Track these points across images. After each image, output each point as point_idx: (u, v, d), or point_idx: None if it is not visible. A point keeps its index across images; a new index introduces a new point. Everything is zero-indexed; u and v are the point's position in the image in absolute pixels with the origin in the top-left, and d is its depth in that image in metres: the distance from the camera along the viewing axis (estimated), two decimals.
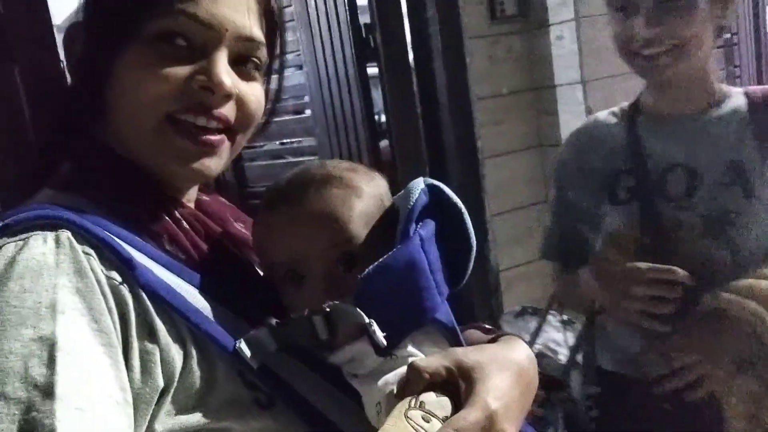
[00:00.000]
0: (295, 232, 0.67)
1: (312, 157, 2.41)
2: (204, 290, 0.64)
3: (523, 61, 2.08)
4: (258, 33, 0.69)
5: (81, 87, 0.69)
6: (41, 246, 0.56)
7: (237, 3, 0.66)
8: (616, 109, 1.33)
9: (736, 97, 1.22)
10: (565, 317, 1.43)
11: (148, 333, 0.58)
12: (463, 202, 0.70)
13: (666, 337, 1.15)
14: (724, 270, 1.13)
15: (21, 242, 0.56)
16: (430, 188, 0.69)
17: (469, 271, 0.71)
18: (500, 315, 2.22)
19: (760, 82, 2.81)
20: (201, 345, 0.60)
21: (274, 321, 0.61)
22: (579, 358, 1.37)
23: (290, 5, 2.29)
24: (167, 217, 0.66)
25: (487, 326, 0.73)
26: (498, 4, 2.01)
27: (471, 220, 0.70)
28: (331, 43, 2.27)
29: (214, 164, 0.67)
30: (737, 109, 1.19)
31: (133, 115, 0.64)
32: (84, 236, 0.58)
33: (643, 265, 1.11)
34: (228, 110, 0.66)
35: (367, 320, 0.59)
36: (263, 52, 0.70)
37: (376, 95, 2.32)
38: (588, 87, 1.96)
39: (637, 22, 1.12)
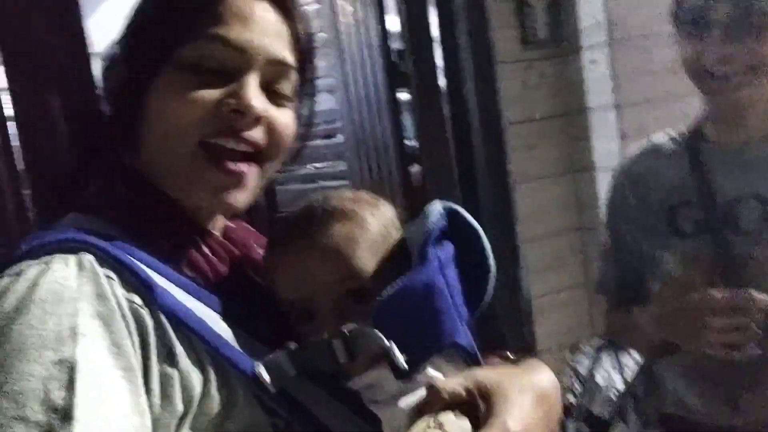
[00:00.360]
0: (301, 271, 0.67)
1: (343, 182, 2.41)
2: (223, 314, 0.64)
3: (555, 86, 2.06)
4: (289, 57, 0.69)
5: (117, 115, 0.70)
6: (63, 269, 0.57)
7: (268, 27, 0.67)
8: (673, 133, 1.25)
9: None
10: (617, 354, 1.39)
11: (168, 357, 0.58)
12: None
13: (731, 384, 1.10)
14: None
15: (44, 265, 0.57)
16: (447, 212, 0.69)
17: (488, 295, 0.70)
18: (533, 342, 2.18)
19: None
20: (220, 369, 0.60)
21: (292, 345, 0.61)
22: (634, 396, 1.31)
23: (321, 31, 2.31)
24: (190, 244, 0.67)
25: (510, 355, 0.71)
26: (530, 29, 2.00)
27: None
28: (363, 67, 2.28)
29: (243, 197, 0.67)
30: None
31: (166, 141, 0.65)
32: (106, 260, 0.59)
33: (716, 292, 1.03)
34: (258, 134, 0.66)
35: (387, 343, 0.58)
36: (294, 77, 0.71)
37: (406, 121, 2.32)
38: (622, 112, 1.93)
39: (712, 39, 1.06)
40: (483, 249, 0.69)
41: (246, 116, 0.64)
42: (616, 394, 1.37)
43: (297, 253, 0.68)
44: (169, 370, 0.57)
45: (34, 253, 0.59)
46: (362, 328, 0.59)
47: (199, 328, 0.60)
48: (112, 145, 0.70)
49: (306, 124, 0.76)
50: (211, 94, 0.64)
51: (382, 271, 0.67)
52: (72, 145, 1.36)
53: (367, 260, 0.67)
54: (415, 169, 2.34)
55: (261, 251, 0.76)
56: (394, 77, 2.19)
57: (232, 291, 0.67)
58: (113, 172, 0.69)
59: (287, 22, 0.70)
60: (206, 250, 0.68)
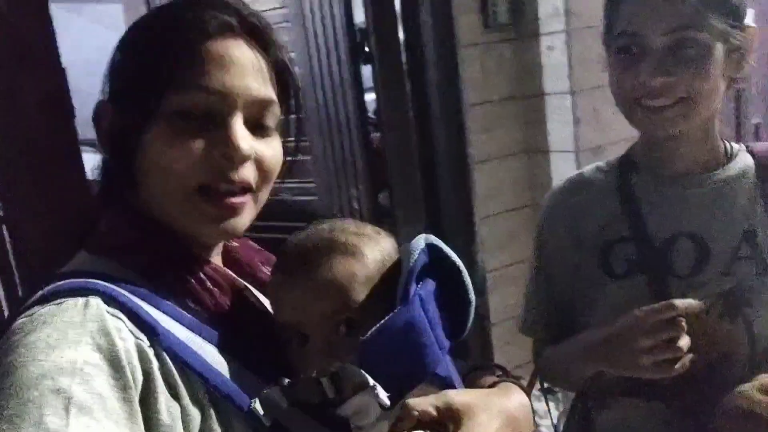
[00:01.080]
0: (299, 298, 0.71)
1: (305, 158, 2.44)
2: (223, 347, 0.69)
3: (513, 70, 2.13)
4: (269, 93, 0.71)
5: (112, 159, 0.74)
6: (71, 309, 0.61)
7: (245, 68, 0.69)
8: (602, 164, 1.17)
9: (742, 156, 1.07)
10: (545, 385, 1.27)
11: (172, 393, 0.62)
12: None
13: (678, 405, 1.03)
14: (743, 360, 1.00)
15: (55, 306, 0.62)
16: (430, 247, 0.73)
17: (469, 323, 0.75)
18: (487, 314, 2.29)
19: (737, 89, 2.89)
20: (218, 405, 0.65)
21: (285, 381, 0.65)
22: None
23: (285, 6, 2.32)
24: (192, 278, 0.71)
25: (497, 366, 0.77)
26: (491, 13, 2.05)
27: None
28: (326, 44, 2.30)
29: (239, 224, 0.71)
30: (745, 170, 1.06)
31: (163, 186, 0.69)
32: (113, 303, 0.63)
33: (638, 312, 0.96)
34: (248, 172, 0.69)
35: (371, 383, 0.62)
36: (276, 109, 0.73)
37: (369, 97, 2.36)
38: (576, 97, 2.02)
39: (643, 69, 0.97)
40: (463, 282, 0.73)
41: (235, 159, 0.67)
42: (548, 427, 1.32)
43: (296, 282, 0.71)
44: (173, 403, 0.62)
45: (50, 298, 0.63)
46: (348, 368, 0.63)
47: (198, 367, 0.64)
48: (115, 186, 0.74)
49: (295, 148, 0.80)
50: (199, 142, 0.67)
51: (375, 303, 0.70)
52: None
53: (362, 294, 0.70)
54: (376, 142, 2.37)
55: (266, 269, 0.80)
56: (357, 55, 2.22)
57: (233, 323, 0.71)
58: (116, 213, 0.73)
59: (263, 56, 0.72)
60: (209, 284, 0.71)
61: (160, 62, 0.68)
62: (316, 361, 0.68)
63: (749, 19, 1.01)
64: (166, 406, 0.61)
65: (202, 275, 0.71)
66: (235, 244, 0.82)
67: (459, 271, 0.73)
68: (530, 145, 2.17)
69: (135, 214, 0.72)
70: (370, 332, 0.65)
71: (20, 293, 1.55)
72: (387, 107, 2.13)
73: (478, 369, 0.78)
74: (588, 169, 1.19)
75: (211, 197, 0.68)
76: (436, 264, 0.73)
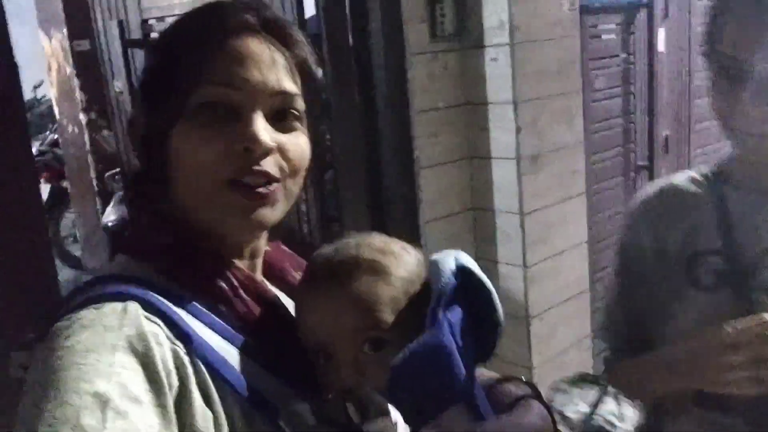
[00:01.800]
0: (323, 316, 0.71)
1: None
2: (253, 356, 0.70)
3: (459, 79, 2.20)
4: (290, 85, 0.73)
5: (147, 165, 0.76)
6: (110, 313, 0.63)
7: (265, 62, 0.71)
8: (695, 174, 1.16)
9: None
10: (618, 402, 1.30)
11: (205, 399, 0.65)
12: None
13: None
14: None
15: (94, 311, 0.64)
16: (460, 269, 0.72)
17: (497, 346, 0.75)
18: None
19: (651, 99, 3.09)
20: (247, 415, 0.67)
21: (314, 401, 0.67)
22: None
23: None
24: (224, 284, 0.72)
25: (523, 380, 0.76)
26: (438, 23, 2.12)
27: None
28: None
29: (270, 213, 0.72)
30: None
31: (192, 182, 0.71)
32: (151, 309, 0.65)
33: (727, 326, 0.95)
34: (269, 164, 0.71)
35: (393, 416, 0.65)
36: (299, 103, 0.74)
37: None
38: (519, 107, 2.11)
39: (744, 97, 0.96)
40: (493, 305, 0.73)
41: (256, 151, 0.69)
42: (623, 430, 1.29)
43: (321, 300, 0.72)
44: (207, 411, 0.64)
45: (90, 302, 0.65)
46: (375, 397, 0.65)
47: (229, 376, 0.66)
48: (149, 193, 0.76)
49: (323, 139, 0.83)
50: (222, 136, 0.69)
51: (402, 323, 0.71)
52: None
53: (388, 312, 0.70)
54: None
55: (297, 274, 0.82)
56: None
57: (263, 330, 0.73)
58: (151, 218, 0.75)
59: (285, 52, 0.74)
60: (240, 290, 0.73)
61: (184, 61, 0.71)
62: (342, 380, 0.69)
63: None
64: (200, 411, 0.63)
65: (234, 281, 0.73)
66: (267, 248, 0.83)
67: (489, 295, 0.73)
68: (473, 151, 2.25)
69: (167, 218, 0.74)
70: (399, 356, 0.65)
71: None
72: (337, 111, 2.16)
73: (503, 381, 0.77)
74: (679, 177, 1.18)
75: (240, 189, 0.70)
76: (465, 282, 0.72)
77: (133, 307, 0.64)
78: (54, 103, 4.35)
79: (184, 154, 0.71)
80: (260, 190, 0.70)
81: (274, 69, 0.72)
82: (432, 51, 2.15)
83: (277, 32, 0.74)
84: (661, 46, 3.12)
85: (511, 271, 2.26)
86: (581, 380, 1.40)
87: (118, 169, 3.60)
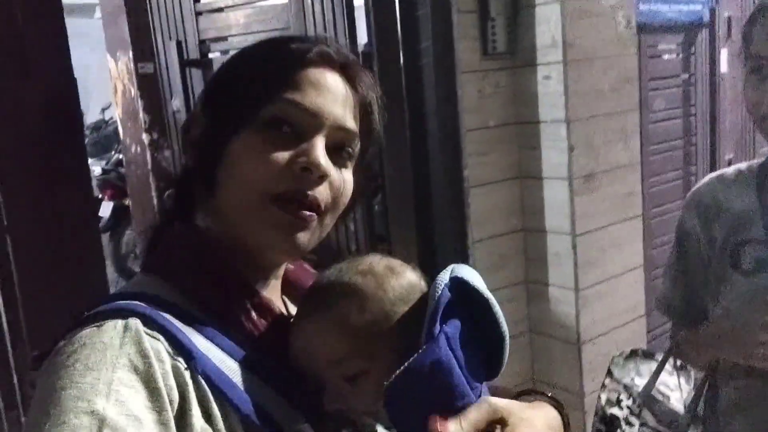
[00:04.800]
0: (305, 344, 0.70)
1: None
2: (263, 378, 0.70)
3: (510, 97, 2.18)
4: (352, 125, 0.76)
5: (198, 164, 0.77)
6: (111, 330, 0.64)
7: (336, 95, 0.74)
8: (743, 166, 1.27)
9: None
10: (678, 362, 1.38)
11: (206, 416, 0.64)
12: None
13: None
14: None
15: (95, 328, 0.64)
16: (454, 282, 0.69)
17: (505, 359, 0.71)
18: None
19: (713, 121, 2.99)
20: None
21: (317, 424, 0.66)
22: (699, 411, 1.30)
23: (290, 26, 2.35)
24: (238, 307, 0.73)
25: (547, 395, 0.76)
26: (490, 41, 2.10)
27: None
28: None
29: (306, 238, 0.73)
30: None
31: (241, 191, 0.72)
32: (153, 325, 0.65)
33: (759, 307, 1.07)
34: (322, 192, 0.73)
35: None
36: (356, 143, 0.77)
37: None
38: (571, 126, 2.07)
39: None
40: (494, 317, 0.69)
41: (313, 173, 0.71)
42: (676, 410, 1.35)
43: (303, 327, 0.71)
44: (207, 428, 0.63)
45: (92, 319, 0.66)
46: (369, 426, 0.64)
47: (232, 395, 0.65)
48: (189, 200, 0.77)
49: (366, 180, 0.83)
50: (284, 153, 0.71)
51: (387, 343, 0.68)
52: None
53: (364, 341, 0.68)
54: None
55: None
56: None
57: (277, 351, 0.72)
58: (177, 232, 0.76)
59: (354, 93, 0.76)
60: (253, 314, 0.73)
61: (262, 77, 0.73)
62: (328, 406, 0.68)
63: None
64: (200, 428, 0.63)
65: (248, 305, 0.73)
66: (290, 266, 0.84)
67: (488, 306, 0.69)
68: (524, 170, 2.22)
69: (196, 233, 0.75)
70: (394, 375, 0.62)
71: (20, 305, 1.55)
72: (386, 130, 2.16)
73: (523, 395, 0.77)
74: (730, 170, 1.29)
75: (285, 207, 0.71)
76: (463, 295, 0.68)
77: (134, 323, 0.64)
78: (119, 123, 4.50)
79: (242, 162, 0.72)
80: (305, 212, 0.72)
81: (344, 105, 0.75)
82: (483, 69, 2.13)
83: (352, 72, 0.77)
84: (723, 67, 3.03)
85: (562, 294, 2.20)
86: (635, 355, 1.49)
87: None
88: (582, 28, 2.06)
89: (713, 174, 1.33)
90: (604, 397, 1.39)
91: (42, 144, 1.55)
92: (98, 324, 0.65)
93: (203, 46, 2.49)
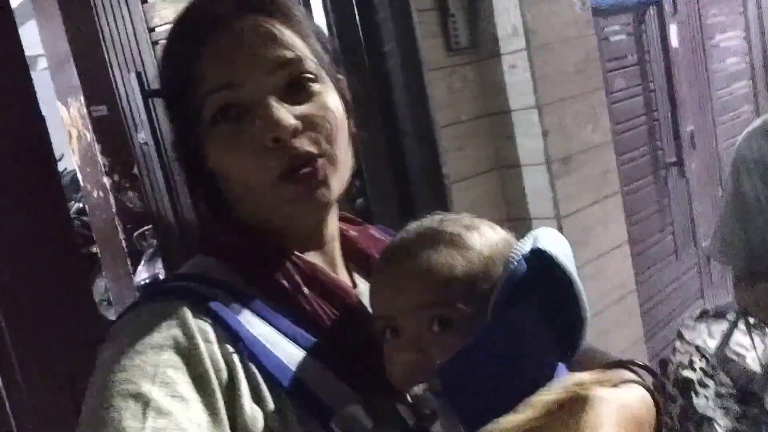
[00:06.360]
0: (392, 288, 0.67)
1: None
2: (317, 355, 0.67)
3: (479, 90, 2.19)
4: (287, 53, 0.68)
5: (195, 181, 0.76)
6: (159, 312, 0.63)
7: (249, 45, 0.67)
8: None
9: None
10: (751, 320, 1.34)
11: (255, 398, 0.62)
12: None
13: None
14: None
15: (145, 310, 0.64)
16: (535, 254, 0.62)
17: (581, 342, 0.66)
18: None
19: (671, 95, 3.06)
20: (301, 415, 0.63)
21: (371, 403, 0.63)
22: None
23: None
24: (285, 282, 0.69)
25: (639, 364, 0.69)
26: (453, 38, 2.12)
27: None
28: None
29: (324, 189, 0.69)
30: None
31: (242, 186, 0.70)
32: (201, 307, 0.64)
33: None
34: (304, 143, 0.68)
35: (447, 417, 0.58)
36: (309, 64, 0.70)
37: None
38: (543, 111, 2.08)
39: None
40: (575, 296, 0.63)
41: (282, 137, 0.66)
42: (753, 369, 1.31)
43: (393, 271, 0.67)
44: (255, 408, 0.62)
45: (145, 301, 0.66)
46: (426, 397, 0.59)
47: (281, 376, 0.63)
48: (209, 204, 0.76)
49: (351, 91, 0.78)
50: (248, 134, 0.67)
51: (475, 303, 0.63)
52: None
53: (462, 290, 0.64)
54: None
55: None
56: None
57: (333, 326, 0.69)
58: (220, 218, 0.75)
59: (271, 23, 0.69)
60: (304, 288, 0.69)
61: (181, 79, 0.70)
62: (404, 358, 0.64)
63: None
64: (250, 410, 0.61)
65: (297, 277, 0.70)
66: (352, 232, 0.81)
67: (569, 284, 0.63)
68: (501, 160, 2.23)
69: (230, 218, 0.74)
70: (448, 358, 0.58)
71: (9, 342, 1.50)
72: (360, 137, 2.15)
73: (611, 367, 0.69)
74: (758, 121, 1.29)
75: (290, 177, 0.68)
76: (543, 267, 0.62)
77: (182, 305, 0.63)
78: (77, 170, 4.41)
79: (223, 164, 0.70)
80: (305, 170, 0.68)
81: (264, 47, 0.68)
82: (449, 65, 2.14)
83: (256, 7, 0.70)
84: (674, 41, 3.10)
85: None
86: (705, 316, 1.47)
87: (148, 226, 3.62)
88: (540, 15, 2.09)
89: (765, 116, 1.33)
90: (675, 359, 1.36)
91: (15, 186, 1.51)
92: (148, 306, 0.64)
93: None
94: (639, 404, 0.61)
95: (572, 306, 0.64)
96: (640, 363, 0.69)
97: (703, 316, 1.45)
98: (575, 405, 0.54)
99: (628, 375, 0.65)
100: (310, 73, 0.70)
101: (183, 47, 0.69)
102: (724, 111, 3.36)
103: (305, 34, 0.72)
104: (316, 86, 0.70)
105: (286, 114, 0.67)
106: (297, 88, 0.69)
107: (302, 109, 0.68)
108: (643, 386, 0.64)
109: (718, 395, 1.28)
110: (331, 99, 0.71)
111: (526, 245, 0.63)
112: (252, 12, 0.69)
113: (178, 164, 0.77)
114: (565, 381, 0.57)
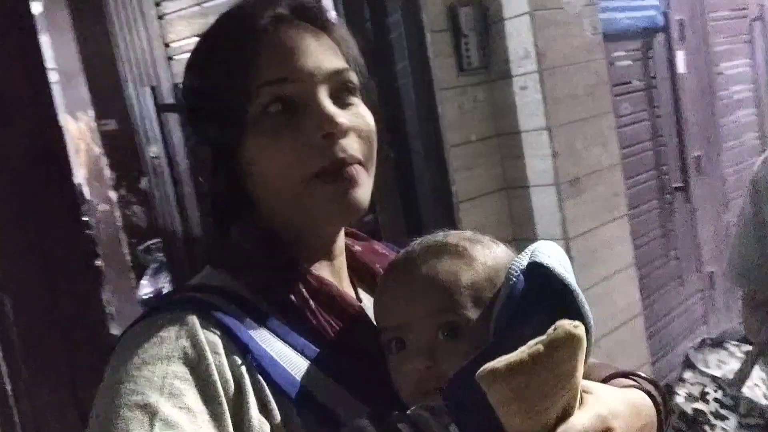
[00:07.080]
0: (399, 298, 0.68)
1: None
2: (324, 368, 0.67)
3: (489, 110, 2.21)
4: (338, 63, 0.71)
5: (222, 190, 0.75)
6: (167, 325, 0.63)
7: (308, 45, 0.69)
8: None
9: None
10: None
11: (263, 409, 0.63)
12: None
13: None
14: None
15: (153, 322, 0.64)
16: (532, 268, 0.62)
17: (589, 355, 0.63)
18: None
19: (678, 121, 3.08)
20: (309, 428, 0.64)
21: (377, 417, 0.62)
22: None
23: None
24: (294, 297, 0.70)
25: (642, 377, 0.70)
26: (465, 58, 2.14)
27: None
28: None
29: (361, 194, 0.70)
30: None
31: (277, 187, 0.70)
32: (210, 319, 0.65)
33: None
34: (352, 144, 0.69)
35: None
36: (353, 76, 0.73)
37: None
38: (553, 132, 2.10)
39: None
40: (577, 306, 0.63)
41: (336, 134, 0.67)
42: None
43: (400, 282, 0.68)
44: (264, 421, 0.62)
45: (151, 313, 0.66)
46: (423, 416, 0.59)
47: (289, 388, 0.64)
48: (233, 213, 0.75)
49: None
50: (297, 131, 0.67)
51: (480, 313, 0.65)
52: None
53: (467, 299, 0.65)
54: None
55: None
56: None
57: (339, 339, 0.70)
58: (238, 228, 0.74)
59: (322, 31, 0.72)
60: (312, 302, 0.70)
61: (230, 74, 0.68)
62: (412, 368, 0.65)
63: None
64: (257, 421, 0.62)
65: (305, 293, 0.70)
66: (357, 247, 0.81)
67: (571, 295, 0.63)
68: (510, 181, 2.24)
69: (253, 229, 0.73)
70: (451, 376, 0.58)
71: (20, 358, 1.50)
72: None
73: (612, 378, 0.70)
74: None
75: (328, 178, 0.68)
76: (543, 280, 0.62)
77: (191, 317, 0.64)
78: (84, 183, 4.42)
79: (262, 164, 0.69)
80: (347, 172, 0.68)
81: (319, 52, 0.70)
82: (460, 85, 2.16)
83: (310, 17, 0.72)
84: (681, 68, 3.13)
85: None
86: (704, 344, 1.44)
87: (154, 240, 3.63)
88: (552, 38, 2.11)
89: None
90: (683, 391, 1.33)
91: (30, 191, 1.52)
92: (156, 318, 0.64)
93: (177, 89, 2.48)
94: (640, 400, 0.63)
95: (574, 316, 0.61)
96: (643, 375, 0.70)
97: (704, 345, 1.41)
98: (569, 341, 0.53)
99: (630, 381, 0.67)
100: (353, 83, 0.73)
101: (241, 37, 0.69)
102: (730, 137, 3.38)
103: (350, 53, 0.75)
104: (353, 98, 0.73)
105: (341, 111, 0.69)
106: (341, 98, 0.71)
107: (348, 115, 0.70)
108: (645, 391, 0.66)
109: (743, 426, 1.24)
110: (365, 110, 0.74)
111: (523, 259, 0.64)
112: (307, 20, 0.72)
113: (197, 168, 0.77)
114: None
